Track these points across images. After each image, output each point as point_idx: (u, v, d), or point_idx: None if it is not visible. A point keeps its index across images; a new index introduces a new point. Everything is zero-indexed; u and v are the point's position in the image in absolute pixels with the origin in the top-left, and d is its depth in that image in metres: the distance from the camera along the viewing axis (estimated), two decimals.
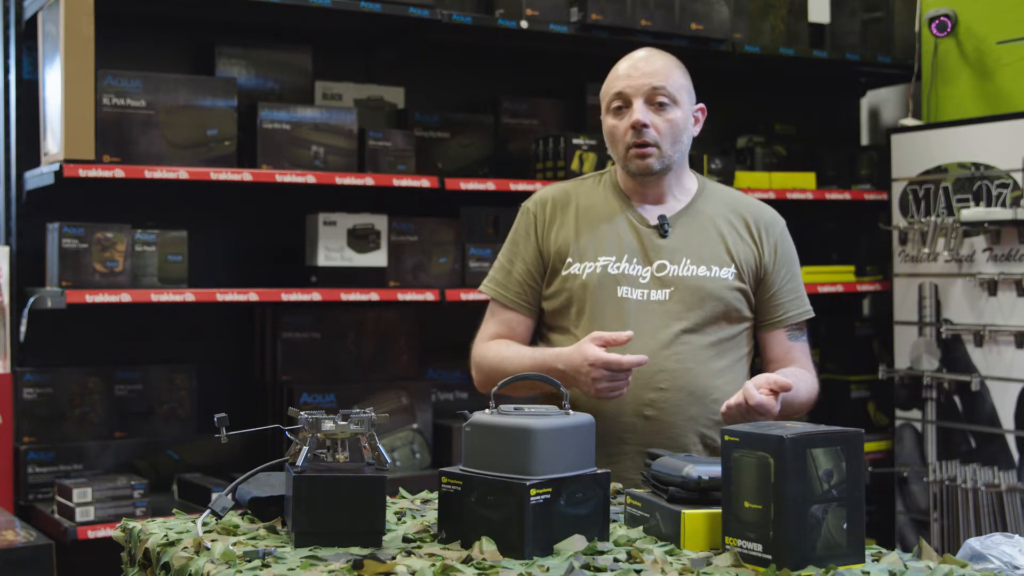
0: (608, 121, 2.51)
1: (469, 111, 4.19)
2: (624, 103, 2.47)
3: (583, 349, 2.29)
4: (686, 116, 2.49)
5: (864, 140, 5.15)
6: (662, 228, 2.49)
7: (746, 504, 1.70)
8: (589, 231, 2.52)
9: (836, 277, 4.50)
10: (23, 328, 3.42)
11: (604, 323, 2.43)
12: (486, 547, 1.75)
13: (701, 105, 2.56)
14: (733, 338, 2.50)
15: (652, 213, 2.52)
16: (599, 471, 1.86)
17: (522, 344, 2.55)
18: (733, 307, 2.49)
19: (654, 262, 2.48)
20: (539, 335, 2.59)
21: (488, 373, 2.51)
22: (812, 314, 2.58)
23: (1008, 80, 4.25)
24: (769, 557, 1.67)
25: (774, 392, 2.22)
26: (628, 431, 2.41)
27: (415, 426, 3.88)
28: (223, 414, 1.93)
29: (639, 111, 2.44)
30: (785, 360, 2.53)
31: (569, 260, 2.51)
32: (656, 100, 2.45)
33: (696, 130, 2.55)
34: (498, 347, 2.53)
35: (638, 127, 2.44)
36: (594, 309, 2.46)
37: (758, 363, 2.59)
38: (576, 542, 1.78)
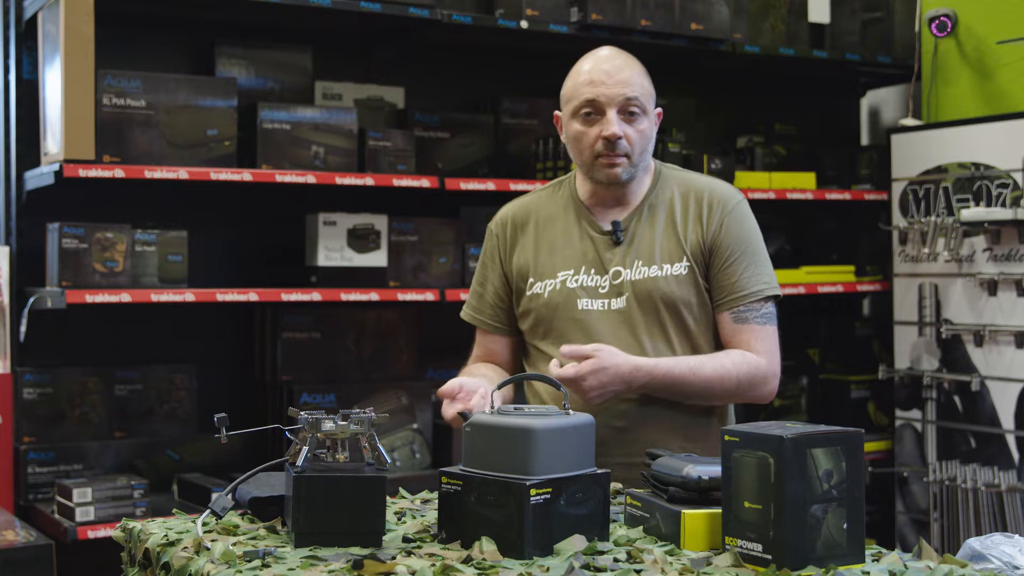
0: (574, 126, 2.42)
1: (469, 111, 4.20)
2: (596, 111, 2.39)
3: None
4: (652, 124, 2.44)
5: (864, 140, 5.15)
6: (615, 235, 2.44)
7: (746, 504, 1.70)
8: (547, 247, 2.49)
9: (836, 277, 4.50)
10: (23, 328, 3.42)
11: (569, 338, 2.40)
12: (486, 547, 1.75)
13: (659, 110, 2.49)
14: (703, 335, 2.43)
15: (607, 219, 2.47)
16: (599, 471, 1.86)
17: (506, 364, 2.57)
18: (691, 302, 2.41)
19: (610, 270, 2.43)
20: (525, 354, 2.58)
21: None
22: (768, 294, 2.41)
23: (1008, 80, 4.25)
24: (769, 557, 1.67)
25: (586, 356, 2.21)
26: (602, 444, 2.38)
27: (415, 426, 3.88)
28: (223, 414, 1.93)
29: (614, 123, 2.37)
30: (731, 343, 2.42)
31: (531, 280, 2.49)
32: (628, 110, 2.39)
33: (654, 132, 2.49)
34: (465, 372, 2.52)
35: (613, 140, 2.37)
36: (560, 326, 2.44)
37: None
38: (576, 542, 1.78)
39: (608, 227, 2.46)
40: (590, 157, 2.42)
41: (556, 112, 2.52)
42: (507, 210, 2.60)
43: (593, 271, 2.44)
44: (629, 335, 2.40)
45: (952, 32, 4.38)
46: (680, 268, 2.42)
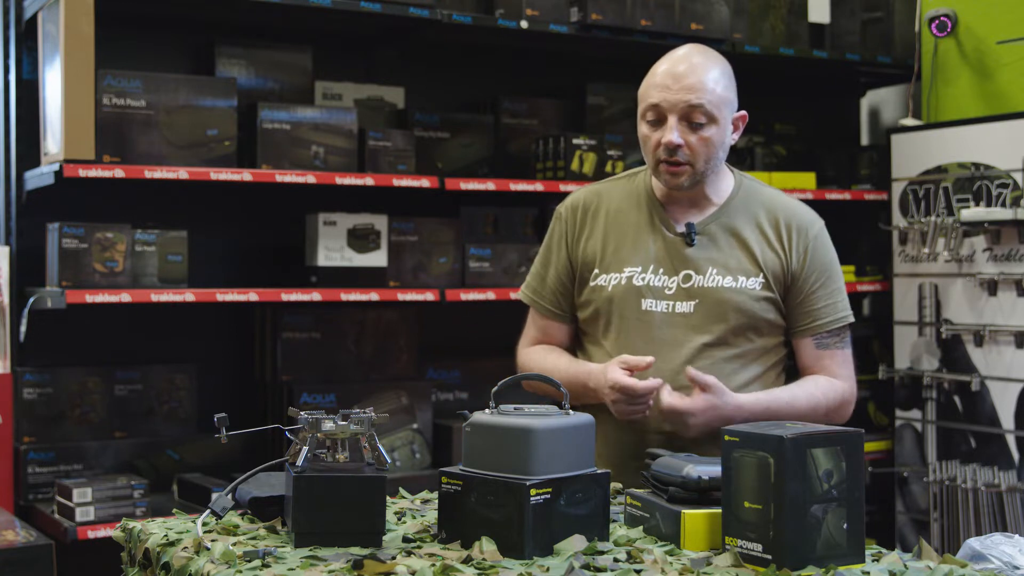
0: (641, 129, 2.41)
1: (469, 111, 4.19)
2: (659, 117, 2.37)
3: (607, 371, 2.29)
4: (723, 130, 2.40)
5: (864, 140, 5.15)
6: (689, 237, 2.42)
7: (746, 504, 1.70)
8: (616, 240, 2.47)
9: None
10: (23, 328, 3.42)
11: (629, 337, 2.40)
12: (486, 547, 1.75)
13: (743, 113, 2.46)
14: (762, 349, 2.44)
15: (682, 220, 2.45)
16: (599, 471, 1.86)
17: (562, 349, 2.55)
18: (761, 318, 2.42)
19: (680, 272, 2.41)
20: (578, 342, 2.57)
21: None
22: (849, 320, 2.48)
23: (1008, 80, 4.25)
24: (769, 557, 1.67)
25: (702, 388, 2.22)
26: (652, 446, 2.39)
27: (415, 426, 3.88)
28: (223, 414, 1.93)
29: (673, 131, 2.34)
30: (814, 369, 2.47)
31: (596, 271, 2.47)
32: (692, 118, 2.35)
33: (735, 137, 2.46)
34: (540, 355, 2.52)
35: (671, 147, 2.35)
36: (620, 322, 2.42)
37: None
38: (576, 542, 1.78)
39: (682, 228, 2.44)
40: (654, 162, 2.41)
41: None
42: (578, 195, 2.58)
43: (662, 271, 2.42)
44: (687, 341, 2.39)
45: (952, 32, 4.38)
46: (755, 283, 2.41)
